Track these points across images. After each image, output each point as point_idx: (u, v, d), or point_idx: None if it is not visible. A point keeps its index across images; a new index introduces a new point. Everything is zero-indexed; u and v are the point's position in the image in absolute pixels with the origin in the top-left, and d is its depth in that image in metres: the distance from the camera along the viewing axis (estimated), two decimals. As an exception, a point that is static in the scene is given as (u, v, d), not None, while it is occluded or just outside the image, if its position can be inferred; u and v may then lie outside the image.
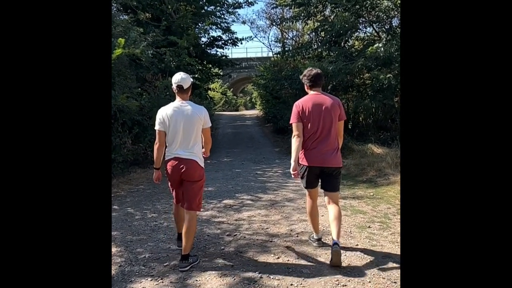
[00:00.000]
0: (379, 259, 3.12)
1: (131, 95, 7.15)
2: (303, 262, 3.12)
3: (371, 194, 5.36)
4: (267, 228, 4.00)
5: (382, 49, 7.40)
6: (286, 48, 13.71)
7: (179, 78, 3.08)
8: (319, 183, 3.33)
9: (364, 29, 9.79)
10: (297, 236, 3.74)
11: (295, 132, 3.20)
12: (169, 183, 3.22)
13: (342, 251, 3.10)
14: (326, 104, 3.15)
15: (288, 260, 3.17)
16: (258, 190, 5.78)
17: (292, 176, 3.20)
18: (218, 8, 12.48)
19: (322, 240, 3.52)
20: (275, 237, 3.74)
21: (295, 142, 3.19)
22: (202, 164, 3.16)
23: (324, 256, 3.21)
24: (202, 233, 3.91)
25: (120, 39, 5.75)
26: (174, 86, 3.10)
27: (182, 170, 3.03)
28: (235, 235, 3.83)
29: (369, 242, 3.52)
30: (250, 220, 4.30)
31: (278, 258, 3.22)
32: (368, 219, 4.20)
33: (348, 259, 3.15)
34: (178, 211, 3.38)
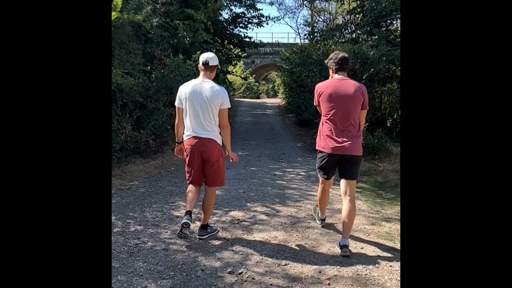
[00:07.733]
0: None
1: (133, 72, 6.06)
2: None
3: (422, 216, 4.13)
4: (285, 265, 2.86)
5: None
6: (315, 30, 12.26)
7: (206, 55, 3.17)
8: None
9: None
10: (329, 285, 2.59)
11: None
12: (186, 164, 3.21)
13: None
14: (348, 90, 3.05)
15: (317, 336, 2.03)
16: (275, 199, 4.63)
17: None
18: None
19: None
20: (297, 282, 2.60)
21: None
22: (220, 142, 3.19)
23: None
24: (195, 266, 2.80)
25: (117, 0, 4.62)
26: (200, 63, 3.15)
27: (202, 150, 3.08)
28: (240, 273, 2.71)
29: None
30: (263, 248, 3.16)
31: (302, 329, 2.09)
32: (428, 261, 2.99)
33: None
34: (192, 190, 3.20)
